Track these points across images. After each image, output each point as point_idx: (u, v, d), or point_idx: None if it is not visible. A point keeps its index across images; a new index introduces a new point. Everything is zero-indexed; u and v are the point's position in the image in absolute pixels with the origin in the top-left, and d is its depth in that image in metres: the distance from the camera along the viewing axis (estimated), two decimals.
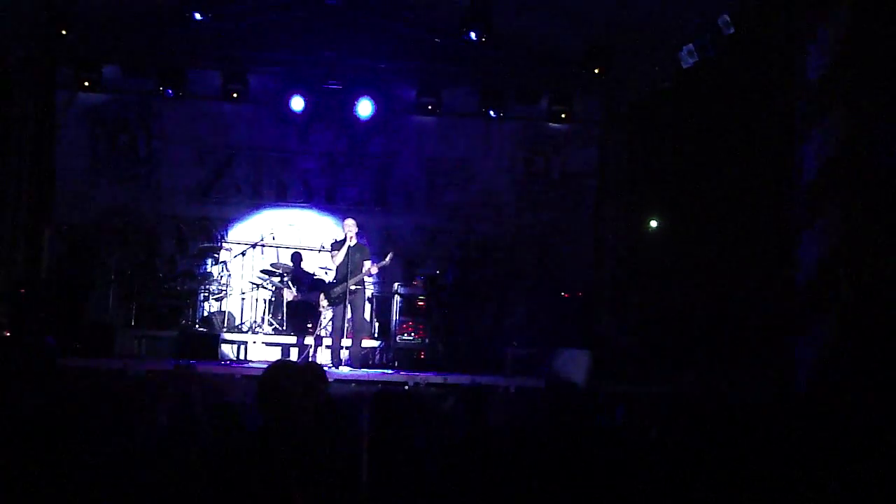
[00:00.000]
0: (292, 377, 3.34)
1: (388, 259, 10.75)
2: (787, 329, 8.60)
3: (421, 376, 9.87)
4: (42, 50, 12.18)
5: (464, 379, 9.88)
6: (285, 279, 12.32)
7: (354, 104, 13.32)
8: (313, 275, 12.39)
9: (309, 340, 11.44)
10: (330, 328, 11.20)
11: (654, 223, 13.03)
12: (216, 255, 12.79)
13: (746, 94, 10.22)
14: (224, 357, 11.63)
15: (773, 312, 9.19)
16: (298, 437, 3.23)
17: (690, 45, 10.61)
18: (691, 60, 10.65)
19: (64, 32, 11.39)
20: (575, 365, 7.01)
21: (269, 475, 3.08)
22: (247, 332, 12.26)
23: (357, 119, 13.48)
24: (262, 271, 12.59)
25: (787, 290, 8.70)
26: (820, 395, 7.83)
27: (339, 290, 10.58)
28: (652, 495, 3.88)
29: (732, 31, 9.83)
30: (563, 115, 13.72)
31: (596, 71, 11.67)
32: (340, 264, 10.62)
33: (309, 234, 13.37)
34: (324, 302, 11.35)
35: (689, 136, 11.47)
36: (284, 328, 12.10)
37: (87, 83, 12.82)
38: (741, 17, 9.77)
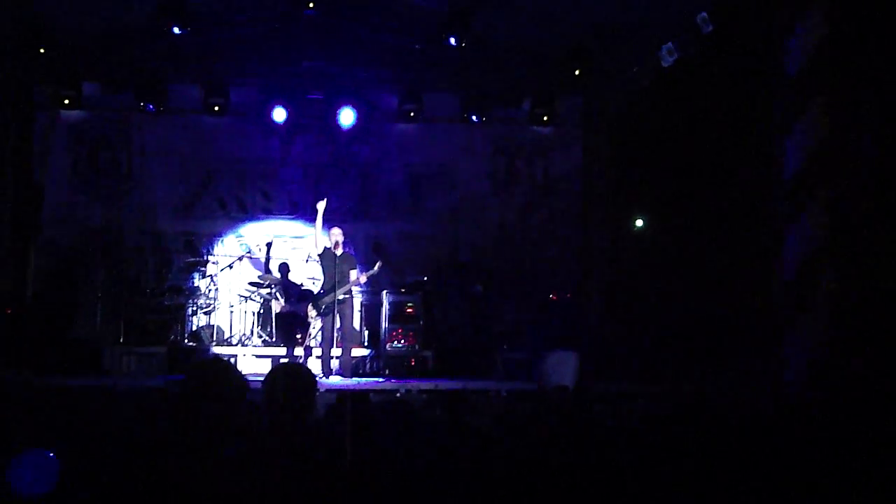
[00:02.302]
0: (296, 377, 3.39)
1: (376, 268, 10.75)
2: (773, 326, 8.62)
3: (412, 383, 9.86)
4: (20, 69, 12.12)
5: (455, 385, 9.89)
6: (273, 291, 12.29)
7: (336, 114, 13.32)
8: (301, 285, 12.36)
9: (299, 351, 11.42)
10: (319, 338, 11.18)
11: (639, 223, 13.06)
12: (203, 269, 12.75)
13: (727, 90, 10.26)
14: None
15: (760, 310, 9.21)
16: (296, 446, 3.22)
17: (670, 44, 10.66)
18: (671, 59, 10.70)
19: (42, 51, 11.36)
20: (563, 367, 7.02)
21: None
22: (236, 344, 12.22)
23: (339, 128, 13.47)
24: (250, 283, 12.56)
25: (775, 286, 8.73)
26: (808, 392, 7.85)
27: (327, 300, 10.56)
28: (639, 494, 3.88)
29: (711, 28, 9.88)
30: (545, 118, 13.74)
31: (576, 72, 11.70)
32: (327, 274, 10.60)
33: (295, 244, 13.33)
34: (312, 312, 11.33)
35: (672, 134, 11.50)
36: (274, 340, 12.06)
37: (66, 101, 12.77)
38: (719, 14, 9.82)
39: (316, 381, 3.46)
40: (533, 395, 7.74)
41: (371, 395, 8.46)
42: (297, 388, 3.33)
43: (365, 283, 11.60)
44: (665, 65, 10.80)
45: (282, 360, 4.59)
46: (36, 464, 3.25)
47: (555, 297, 12.82)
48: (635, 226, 13.11)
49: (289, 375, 3.39)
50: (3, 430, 4.64)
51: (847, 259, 8.12)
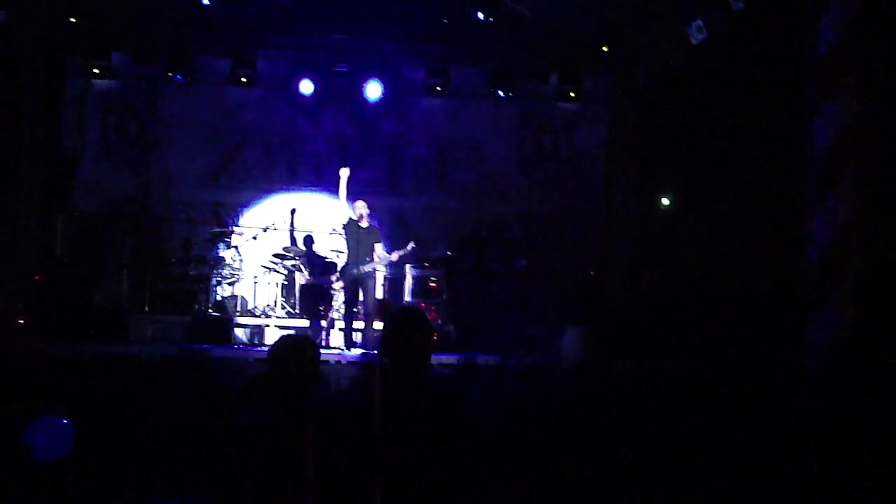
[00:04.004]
0: (299, 349, 3.42)
1: (409, 248, 10.75)
2: (800, 306, 8.56)
3: (433, 357, 9.86)
4: (51, 38, 12.20)
5: (478, 359, 9.89)
6: (298, 262, 12.34)
7: (363, 87, 13.32)
8: (325, 258, 12.39)
9: (322, 323, 11.47)
10: (343, 311, 11.22)
11: (665, 201, 12.97)
12: (228, 240, 12.80)
13: (757, 69, 10.14)
14: (237, 341, 11.66)
15: (786, 289, 9.15)
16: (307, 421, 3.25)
17: (699, 21, 10.52)
18: (700, 36, 10.56)
19: (73, 20, 11.42)
20: (570, 342, 7.01)
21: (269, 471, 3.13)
22: (259, 315, 12.29)
23: (366, 101, 13.48)
24: (275, 255, 12.60)
25: (801, 266, 8.66)
26: (832, 374, 7.79)
27: (352, 273, 10.58)
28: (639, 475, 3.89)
29: (742, 6, 9.74)
30: (571, 94, 13.66)
31: (604, 49, 11.60)
32: (351, 247, 10.62)
33: (320, 217, 13.35)
34: (336, 284, 11.37)
35: (699, 112, 11.40)
36: (297, 311, 12.12)
37: (96, 70, 12.87)
38: None
39: (319, 354, 3.48)
40: (547, 370, 7.74)
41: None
42: (300, 360, 3.35)
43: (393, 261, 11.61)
44: (694, 42, 10.66)
45: (286, 333, 4.67)
46: (51, 430, 3.31)
47: (579, 274, 12.77)
48: (661, 204, 13.02)
49: (292, 348, 3.42)
50: (27, 397, 4.72)
51: (874, 240, 8.04)
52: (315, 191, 13.67)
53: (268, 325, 11.97)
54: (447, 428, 3.27)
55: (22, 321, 10.61)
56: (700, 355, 9.57)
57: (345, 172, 10.69)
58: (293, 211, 13.00)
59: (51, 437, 3.30)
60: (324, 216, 13.09)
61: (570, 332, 5.84)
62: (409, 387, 3.30)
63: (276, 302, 12.41)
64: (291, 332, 10.93)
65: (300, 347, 3.42)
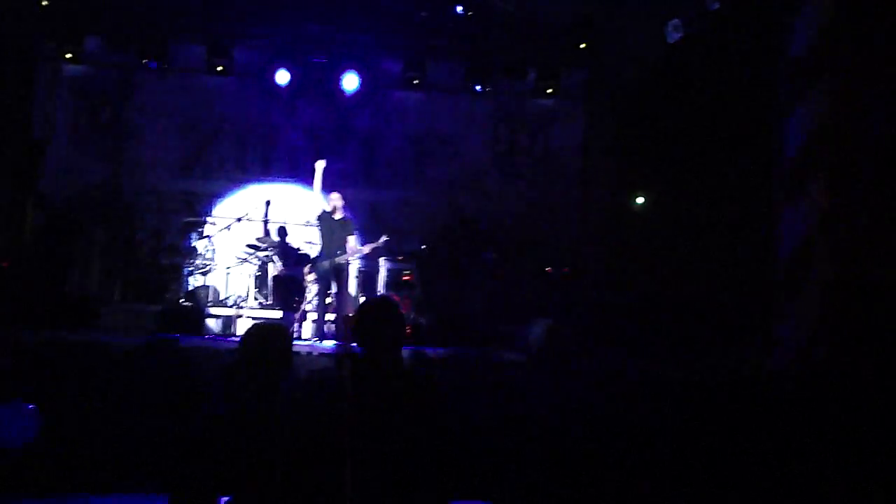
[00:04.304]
0: (271, 337, 3.42)
1: (381, 241, 10.76)
2: (767, 305, 8.65)
3: (406, 350, 9.86)
4: (22, 21, 12.05)
5: (448, 352, 9.87)
6: (271, 254, 12.29)
7: (340, 78, 13.29)
8: (299, 249, 12.36)
9: (294, 315, 11.44)
10: (315, 303, 11.19)
11: (639, 199, 13.04)
12: (200, 230, 12.74)
13: (732, 69, 10.22)
14: (209, 331, 11.61)
15: (755, 289, 9.23)
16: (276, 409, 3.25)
17: (676, 20, 10.59)
18: (677, 35, 10.63)
19: (44, 3, 11.29)
20: (536, 334, 6.99)
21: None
22: (232, 306, 12.23)
23: (342, 93, 13.44)
24: (248, 246, 12.55)
25: (770, 266, 8.75)
26: (799, 373, 7.88)
27: (325, 265, 10.55)
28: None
29: (717, 6, 9.81)
30: (549, 91, 13.69)
31: (582, 45, 11.64)
32: (325, 238, 10.59)
33: (294, 208, 13.31)
34: (309, 276, 11.33)
35: (675, 112, 11.46)
36: (270, 302, 12.08)
37: (68, 55, 12.73)
38: None
39: (292, 341, 3.49)
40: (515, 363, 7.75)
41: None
42: (272, 347, 3.36)
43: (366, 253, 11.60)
44: (670, 41, 10.73)
45: (259, 321, 4.71)
46: (16, 415, 3.28)
47: (551, 271, 12.81)
48: (635, 203, 13.09)
49: (266, 334, 3.42)
50: None
51: (842, 243, 8.13)
52: (289, 182, 13.64)
53: (240, 316, 11.93)
54: (418, 417, 3.28)
55: None
56: (668, 352, 9.64)
57: (320, 165, 10.65)
58: (268, 202, 12.94)
59: (15, 422, 3.27)
60: (298, 207, 13.04)
61: (537, 324, 5.85)
62: (380, 376, 3.30)
63: (248, 293, 12.37)
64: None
65: (273, 334, 3.42)
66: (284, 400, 3.28)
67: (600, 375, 6.21)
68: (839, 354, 7.85)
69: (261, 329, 3.51)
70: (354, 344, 3.38)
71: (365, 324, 3.37)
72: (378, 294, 12.08)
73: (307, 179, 11.14)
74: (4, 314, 10.07)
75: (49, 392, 4.75)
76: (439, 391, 3.41)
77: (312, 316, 11.17)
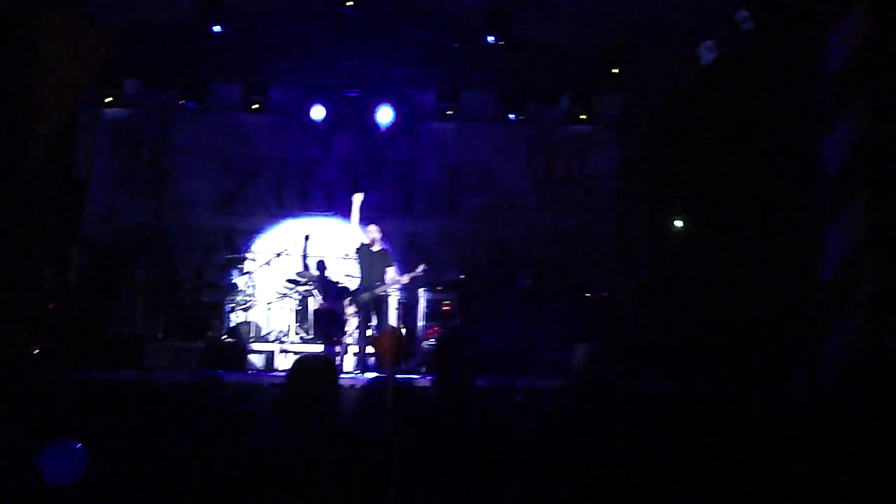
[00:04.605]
0: (318, 370, 3.42)
1: (419, 270, 10.79)
2: (813, 325, 8.50)
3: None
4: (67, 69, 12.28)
5: (492, 381, 9.81)
6: (311, 288, 12.35)
7: (374, 111, 13.40)
8: (338, 283, 12.41)
9: (336, 348, 11.46)
10: (356, 335, 11.22)
11: (678, 223, 12.93)
12: (241, 266, 12.84)
13: (767, 88, 10.14)
14: (252, 367, 11.66)
15: (800, 308, 9.09)
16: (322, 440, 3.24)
17: (709, 41, 10.55)
18: (710, 56, 10.58)
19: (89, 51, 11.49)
20: (578, 357, 6.95)
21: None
22: (273, 341, 12.29)
23: (377, 126, 13.55)
24: (288, 280, 12.63)
25: (814, 285, 8.61)
26: (847, 392, 7.72)
27: (365, 297, 10.59)
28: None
29: (751, 25, 9.76)
30: (582, 117, 13.67)
31: (615, 70, 11.62)
32: (364, 271, 10.63)
33: (332, 242, 13.38)
34: (350, 309, 11.37)
35: (711, 133, 11.38)
36: (311, 336, 12.12)
37: (109, 98, 12.95)
38: (759, 10, 9.70)
39: (338, 374, 3.49)
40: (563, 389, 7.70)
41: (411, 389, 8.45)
42: (319, 380, 3.35)
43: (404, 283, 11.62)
44: (704, 62, 10.68)
45: (305, 353, 4.75)
46: (64, 453, 3.30)
47: (592, 297, 12.72)
48: (674, 226, 12.98)
49: (311, 368, 3.42)
50: (42, 424, 4.73)
51: (887, 260, 7.99)
52: (327, 215, 13.71)
53: (283, 352, 11.98)
54: (469, 446, 3.26)
55: (37, 350, 10.62)
56: (713, 373, 9.51)
57: (357, 198, 10.73)
58: (307, 237, 13.02)
59: (64, 460, 3.30)
60: (336, 241, 13.11)
61: (579, 348, 5.81)
62: (452, 404, 3.32)
63: (289, 327, 12.42)
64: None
65: (319, 367, 3.41)
66: (331, 432, 3.27)
67: (644, 398, 6.13)
68: (885, 372, 7.69)
69: (307, 362, 3.51)
70: (396, 374, 3.39)
71: (442, 354, 3.38)
72: (451, 325, 12.07)
73: (345, 213, 11.23)
74: (52, 355, 10.21)
75: (96, 430, 4.79)
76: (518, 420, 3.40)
77: (354, 349, 11.19)
